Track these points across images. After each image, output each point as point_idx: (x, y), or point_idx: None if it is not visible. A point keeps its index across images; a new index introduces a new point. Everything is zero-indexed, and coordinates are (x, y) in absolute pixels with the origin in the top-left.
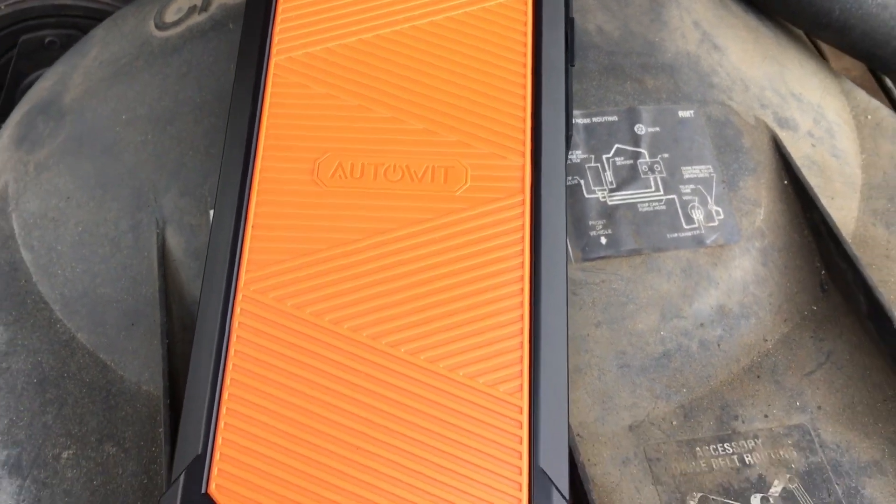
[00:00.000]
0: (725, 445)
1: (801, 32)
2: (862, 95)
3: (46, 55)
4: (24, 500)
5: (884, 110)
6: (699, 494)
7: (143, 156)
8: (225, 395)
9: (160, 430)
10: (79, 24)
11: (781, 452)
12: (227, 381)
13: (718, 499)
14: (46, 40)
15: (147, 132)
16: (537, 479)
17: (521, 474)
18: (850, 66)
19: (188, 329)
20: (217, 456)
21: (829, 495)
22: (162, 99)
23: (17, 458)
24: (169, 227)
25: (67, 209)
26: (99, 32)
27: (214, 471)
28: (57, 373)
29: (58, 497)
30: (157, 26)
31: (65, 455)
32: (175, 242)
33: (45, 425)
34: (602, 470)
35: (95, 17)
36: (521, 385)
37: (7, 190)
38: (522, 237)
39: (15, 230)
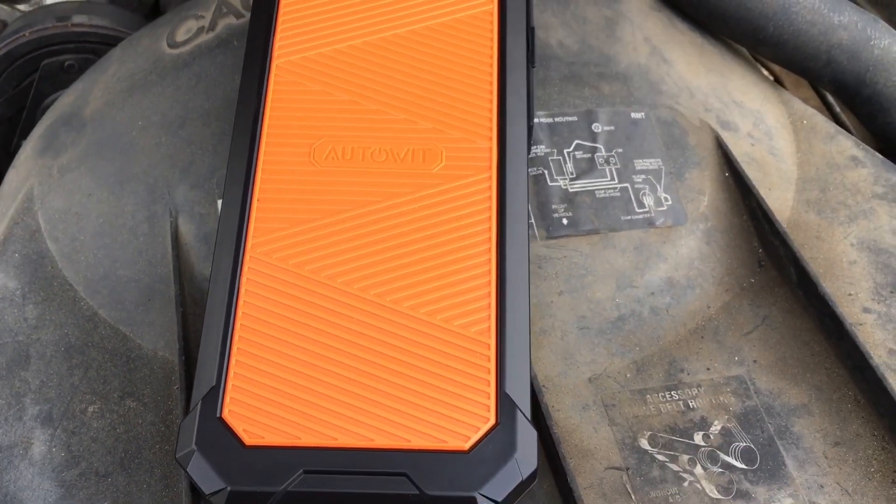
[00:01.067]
0: (672, 393)
1: (745, 51)
2: (799, 104)
3: (66, 77)
4: (55, 446)
5: (818, 116)
6: (649, 432)
7: (157, 156)
8: (236, 337)
9: (175, 387)
10: (96, 50)
11: (721, 398)
12: (238, 326)
13: (666, 436)
14: (66, 64)
15: (161, 136)
16: (503, 402)
17: (489, 398)
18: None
19: (199, 304)
20: (229, 386)
21: (763, 432)
22: (174, 107)
23: (48, 412)
24: (181, 216)
25: (89, 204)
26: (116, 52)
27: (227, 399)
28: (82, 342)
29: (85, 443)
30: (169, 45)
31: (91, 409)
32: (186, 229)
33: (72, 385)
34: (564, 414)
35: (110, 43)
36: (489, 327)
37: (32, 192)
38: (490, 207)
39: (41, 225)
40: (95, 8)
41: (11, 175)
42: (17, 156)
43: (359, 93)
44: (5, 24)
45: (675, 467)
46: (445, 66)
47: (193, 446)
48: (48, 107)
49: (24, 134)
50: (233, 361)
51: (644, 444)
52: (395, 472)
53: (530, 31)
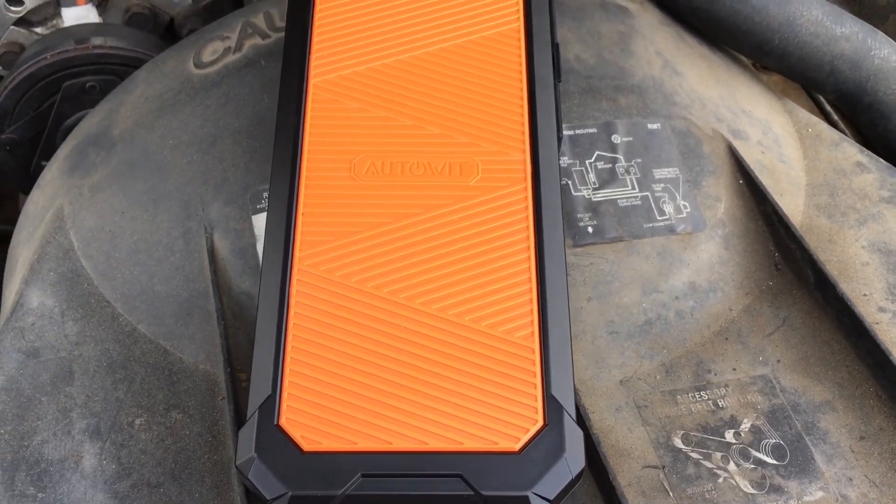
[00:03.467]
0: (702, 393)
1: (748, 62)
2: (803, 113)
3: (87, 99)
4: (105, 459)
5: (822, 125)
6: (682, 431)
7: (189, 174)
8: (289, 347)
9: (220, 399)
10: (116, 71)
11: (748, 397)
12: (290, 336)
13: (698, 434)
14: (87, 85)
15: (192, 154)
16: (550, 404)
17: (536, 400)
18: (796, 96)
19: (238, 317)
20: (285, 395)
21: (791, 429)
22: (204, 126)
23: (95, 425)
24: (216, 232)
25: (122, 222)
26: (142, 73)
27: (283, 407)
28: (123, 357)
29: (135, 455)
30: (196, 65)
31: (137, 422)
32: (222, 244)
33: (117, 399)
34: (599, 416)
35: (132, 65)
36: (533, 332)
37: (62, 211)
38: (527, 217)
39: (74, 244)
40: (112, 30)
41: (37, 195)
42: (41, 176)
43: (395, 109)
44: (23, 48)
45: (708, 464)
46: (477, 82)
47: (253, 453)
48: (69, 128)
49: (44, 155)
50: (287, 371)
51: (678, 442)
52: (450, 474)
53: (555, 47)
